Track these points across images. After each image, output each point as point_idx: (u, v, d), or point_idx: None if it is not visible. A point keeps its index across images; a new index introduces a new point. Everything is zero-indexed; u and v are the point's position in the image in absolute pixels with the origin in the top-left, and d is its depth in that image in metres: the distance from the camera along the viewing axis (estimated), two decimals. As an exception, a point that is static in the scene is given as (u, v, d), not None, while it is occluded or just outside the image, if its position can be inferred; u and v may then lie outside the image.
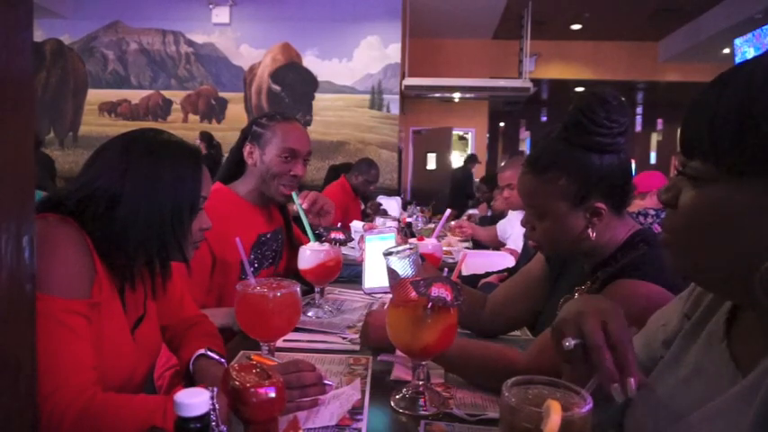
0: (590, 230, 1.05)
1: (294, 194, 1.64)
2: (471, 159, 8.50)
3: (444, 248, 2.55)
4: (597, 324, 0.65)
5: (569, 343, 0.65)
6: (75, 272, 0.91)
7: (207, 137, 6.00)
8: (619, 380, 0.62)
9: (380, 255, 1.06)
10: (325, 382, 0.93)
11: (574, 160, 1.02)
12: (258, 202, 1.68)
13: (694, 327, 0.71)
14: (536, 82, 8.02)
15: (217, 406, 0.59)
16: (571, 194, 1.03)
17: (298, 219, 1.65)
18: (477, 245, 3.46)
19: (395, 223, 2.92)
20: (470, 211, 4.68)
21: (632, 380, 0.61)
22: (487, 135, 10.39)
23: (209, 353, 1.06)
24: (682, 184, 0.63)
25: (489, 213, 4.02)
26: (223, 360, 1.07)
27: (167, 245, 1.02)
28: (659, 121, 13.80)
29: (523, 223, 1.14)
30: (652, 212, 3.00)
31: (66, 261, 0.89)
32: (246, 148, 1.65)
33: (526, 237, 2.58)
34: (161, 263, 1.05)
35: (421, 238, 1.78)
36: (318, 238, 1.51)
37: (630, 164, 1.08)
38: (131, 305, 1.06)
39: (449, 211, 1.99)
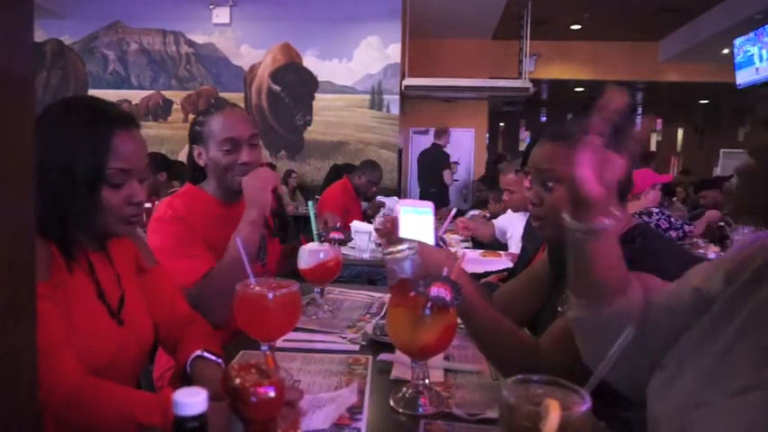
0: None
1: (310, 204, 1.59)
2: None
3: (444, 248, 2.55)
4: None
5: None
6: None
7: None
8: None
9: (414, 227, 1.05)
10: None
11: None
12: (229, 198, 1.63)
13: (724, 311, 0.71)
14: (536, 82, 8.01)
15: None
16: None
17: (299, 218, 1.64)
18: (477, 244, 3.46)
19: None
20: (471, 213, 4.66)
21: None
22: (487, 135, 10.37)
23: (206, 354, 1.06)
24: None
25: (488, 215, 4.01)
26: (220, 361, 1.06)
27: (69, 214, 0.94)
28: (659, 121, 13.79)
29: (530, 200, 1.15)
30: (656, 210, 2.98)
31: None
32: (195, 152, 1.60)
33: (524, 239, 2.58)
34: (79, 233, 0.98)
35: None
36: (318, 238, 1.51)
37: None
38: (108, 285, 1.05)
39: (454, 210, 1.99)
